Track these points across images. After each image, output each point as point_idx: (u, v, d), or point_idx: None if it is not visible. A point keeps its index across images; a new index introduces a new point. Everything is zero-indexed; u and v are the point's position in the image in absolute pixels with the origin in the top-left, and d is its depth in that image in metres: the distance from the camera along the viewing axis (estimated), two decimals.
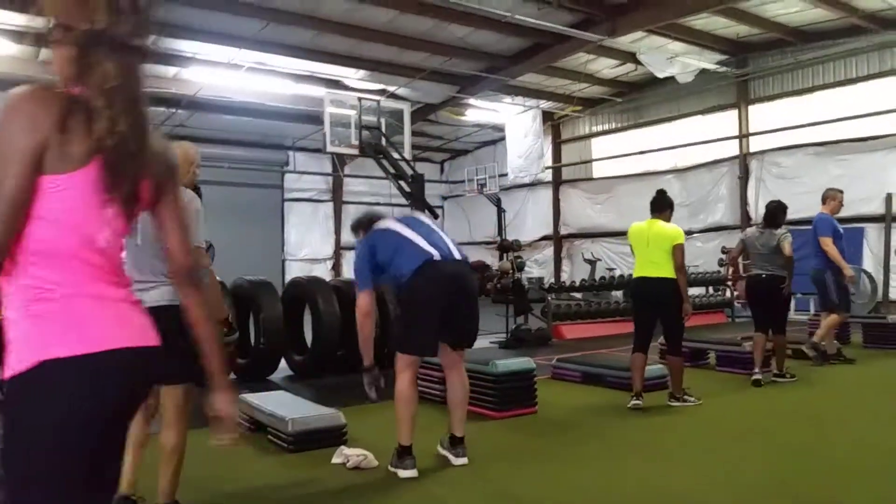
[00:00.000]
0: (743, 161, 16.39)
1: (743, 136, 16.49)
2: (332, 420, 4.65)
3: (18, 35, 12.75)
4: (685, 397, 5.84)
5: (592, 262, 16.04)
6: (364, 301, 4.16)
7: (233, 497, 3.76)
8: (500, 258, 12.62)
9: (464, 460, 4.22)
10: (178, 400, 3.18)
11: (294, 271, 19.72)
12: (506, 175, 19.86)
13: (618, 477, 3.98)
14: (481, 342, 9.06)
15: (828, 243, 7.46)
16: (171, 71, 15.33)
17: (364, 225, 4.38)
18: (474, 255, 22.93)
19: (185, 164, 3.54)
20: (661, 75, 15.49)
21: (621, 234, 18.10)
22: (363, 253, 4.20)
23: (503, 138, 20.21)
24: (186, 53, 14.17)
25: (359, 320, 4.19)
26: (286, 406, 4.89)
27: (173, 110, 17.45)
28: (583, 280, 13.91)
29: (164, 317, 2.17)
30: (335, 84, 15.80)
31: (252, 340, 7.55)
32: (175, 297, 2.52)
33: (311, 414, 4.71)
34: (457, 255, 4.20)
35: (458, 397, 4.31)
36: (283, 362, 7.67)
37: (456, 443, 4.28)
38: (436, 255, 4.07)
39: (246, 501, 3.71)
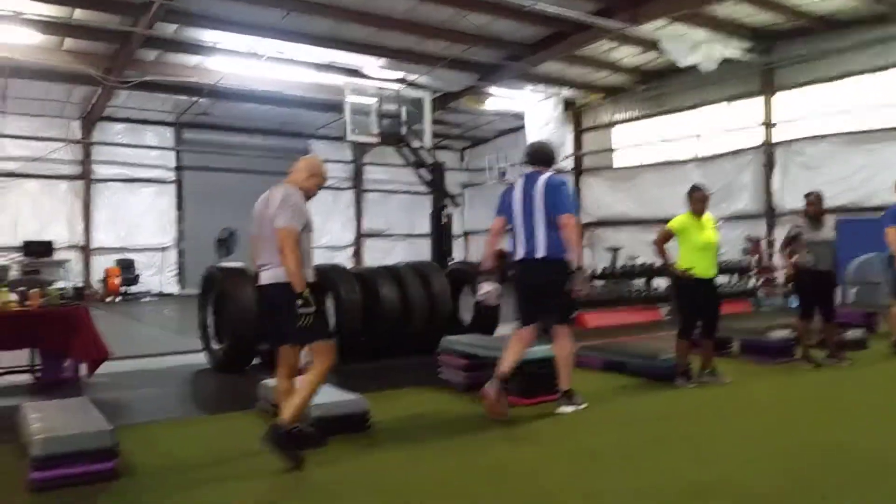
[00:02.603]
0: (768, 150, 16.18)
1: (768, 124, 16.26)
2: (356, 406, 4.68)
3: (43, 25, 12.88)
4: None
5: (615, 251, 15.95)
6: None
7: (257, 479, 3.80)
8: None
9: (565, 409, 5.04)
10: (291, 357, 4.21)
11: (315, 259, 19.77)
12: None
13: (644, 465, 3.96)
14: (502, 329, 9.10)
15: (889, 233, 7.44)
16: (193, 60, 15.43)
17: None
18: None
19: (303, 171, 4.33)
20: (683, 64, 15.28)
21: (643, 222, 18.19)
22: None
23: (524, 126, 20.10)
24: (208, 43, 14.25)
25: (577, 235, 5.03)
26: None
27: (195, 99, 17.59)
28: (605, 268, 13.84)
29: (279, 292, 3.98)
30: (355, 73, 15.80)
31: None
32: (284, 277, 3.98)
33: (335, 400, 4.74)
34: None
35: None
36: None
37: (561, 395, 5.09)
38: None
39: (268, 486, 3.76)
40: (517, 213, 5.15)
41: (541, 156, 5.34)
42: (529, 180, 5.17)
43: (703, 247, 6.11)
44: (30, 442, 3.71)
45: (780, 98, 16.23)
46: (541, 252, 5.02)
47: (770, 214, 16.02)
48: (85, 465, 3.67)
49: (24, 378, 6.59)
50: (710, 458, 4.07)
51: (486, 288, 5.29)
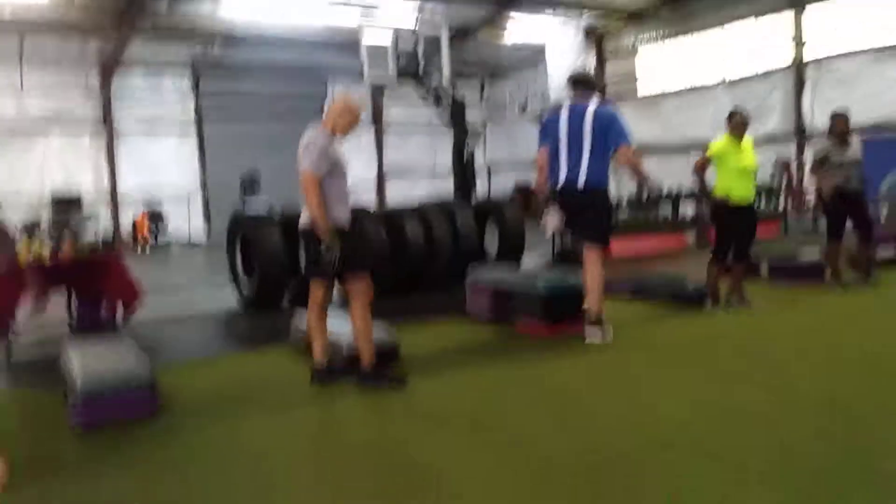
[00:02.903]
0: (798, 68, 15.63)
1: (798, 41, 15.66)
2: (385, 338, 4.75)
3: None
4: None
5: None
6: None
7: (293, 413, 3.91)
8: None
9: (593, 338, 4.98)
10: (319, 292, 4.31)
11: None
12: (548, 94, 19.36)
13: (672, 391, 3.99)
14: (527, 261, 9.12)
15: None
16: (205, 7, 15.20)
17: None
18: (519, 175, 22.75)
19: (333, 112, 4.24)
20: None
21: (669, 149, 17.86)
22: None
23: (544, 58, 19.58)
24: None
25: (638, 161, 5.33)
26: (341, 325, 4.99)
27: (210, 47, 17.41)
28: (630, 196, 13.70)
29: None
30: (371, 9, 15.45)
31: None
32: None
33: None
34: None
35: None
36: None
37: (589, 321, 5.06)
38: None
39: (306, 419, 3.86)
40: (562, 140, 5.17)
41: (585, 81, 5.41)
42: (576, 109, 5.19)
43: (742, 171, 6.04)
44: (73, 380, 3.83)
45: (810, 12, 15.57)
46: (581, 181, 5.09)
47: (800, 135, 15.62)
48: (126, 402, 3.79)
49: (63, 330, 6.78)
50: (740, 385, 4.08)
51: (551, 217, 5.32)
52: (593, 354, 4.83)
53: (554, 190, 5.29)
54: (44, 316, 6.68)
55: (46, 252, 6.29)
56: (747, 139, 6.15)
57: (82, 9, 14.28)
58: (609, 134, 5.06)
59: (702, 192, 6.38)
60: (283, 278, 7.31)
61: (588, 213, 5.19)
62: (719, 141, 6.16)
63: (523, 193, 21.08)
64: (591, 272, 5.17)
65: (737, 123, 6.08)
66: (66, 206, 17.25)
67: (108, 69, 17.83)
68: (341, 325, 5.00)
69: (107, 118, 18.33)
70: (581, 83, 5.39)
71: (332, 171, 4.14)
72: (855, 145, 6.80)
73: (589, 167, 5.09)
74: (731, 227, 6.12)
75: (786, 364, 4.32)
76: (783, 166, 14.73)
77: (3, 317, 5.89)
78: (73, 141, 18.00)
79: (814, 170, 6.98)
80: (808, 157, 15.17)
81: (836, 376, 4.01)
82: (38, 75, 17.12)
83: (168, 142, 19.36)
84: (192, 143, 19.79)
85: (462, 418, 3.64)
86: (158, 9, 14.97)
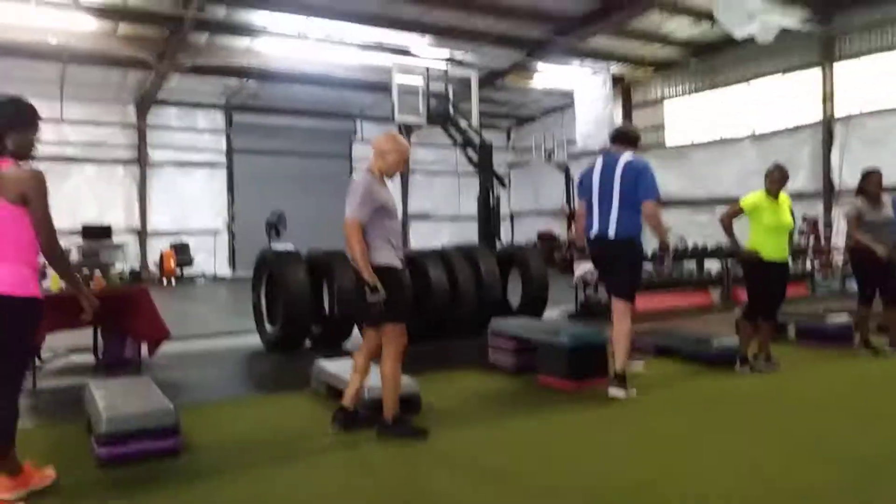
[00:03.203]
0: (827, 124, 15.60)
1: (827, 97, 15.67)
2: (407, 388, 4.72)
3: (98, 11, 13.19)
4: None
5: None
6: None
7: (315, 458, 3.89)
8: (569, 227, 12.43)
9: (616, 392, 4.96)
10: (370, 337, 4.33)
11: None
12: (574, 142, 19.52)
13: (697, 449, 3.92)
14: (550, 312, 9.07)
15: None
16: (242, 43, 15.62)
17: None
18: (541, 224, 22.75)
19: (374, 152, 4.26)
20: (739, 35, 14.76)
21: (694, 202, 17.81)
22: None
23: (571, 104, 19.81)
24: (257, 25, 14.41)
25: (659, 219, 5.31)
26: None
27: (245, 80, 17.82)
28: (654, 250, 13.61)
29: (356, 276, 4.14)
30: (402, 52, 15.76)
31: (326, 308, 7.74)
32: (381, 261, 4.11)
33: None
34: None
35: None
36: (355, 330, 7.82)
37: (613, 377, 5.06)
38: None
39: (327, 464, 3.83)
40: (595, 192, 5.27)
41: (624, 136, 5.48)
42: (609, 160, 5.28)
43: (775, 228, 5.93)
44: (97, 419, 3.86)
45: (840, 69, 15.61)
46: (612, 232, 5.15)
47: (828, 193, 15.50)
48: (149, 443, 3.80)
49: (87, 358, 6.87)
50: (768, 447, 3.99)
51: (583, 267, 5.44)
52: (617, 410, 4.76)
53: (588, 240, 5.39)
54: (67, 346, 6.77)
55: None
56: (784, 196, 6.07)
57: (125, 41, 14.73)
58: (638, 187, 5.12)
59: (732, 247, 6.28)
60: (307, 320, 7.34)
61: (617, 265, 5.25)
62: (754, 195, 6.05)
63: (547, 242, 21.08)
64: (618, 327, 5.20)
65: (775, 179, 5.97)
66: (97, 237, 17.56)
67: (146, 103, 18.30)
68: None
69: (141, 151, 18.75)
70: (620, 137, 5.48)
71: (378, 214, 4.14)
72: (888, 205, 6.68)
73: (619, 218, 5.14)
74: (763, 284, 6.00)
75: (814, 426, 4.22)
76: (811, 225, 14.60)
77: (34, 345, 5.97)
78: (106, 172, 18.40)
79: (851, 228, 6.81)
80: (836, 215, 15.10)
81: (863, 436, 3.91)
82: (77, 106, 17.61)
83: (198, 175, 19.71)
84: (222, 177, 20.13)
85: (485, 471, 3.61)
86: (198, 44, 15.41)
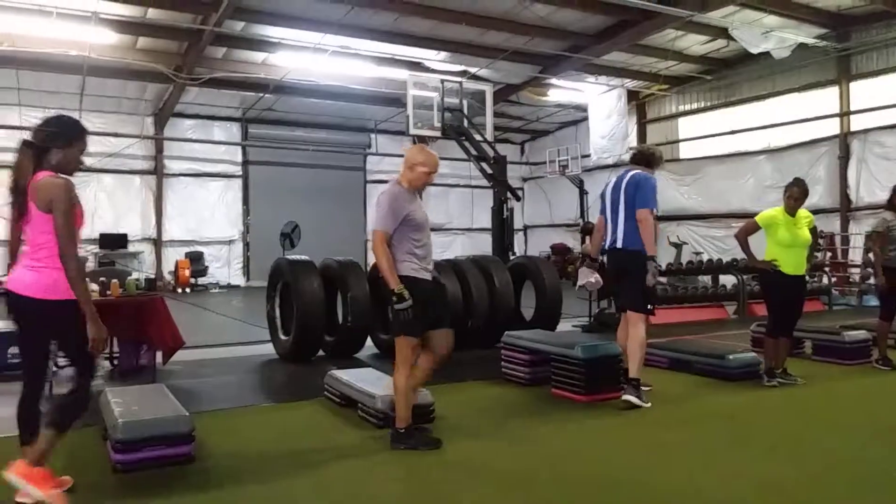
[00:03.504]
0: (843, 141, 15.51)
1: (844, 114, 15.59)
2: (421, 398, 4.72)
3: (118, 24, 13.38)
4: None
5: (678, 246, 15.60)
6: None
7: (328, 467, 3.89)
8: (582, 241, 12.43)
9: (630, 397, 5.03)
10: (401, 347, 4.21)
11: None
12: (588, 156, 19.53)
13: (709, 465, 3.88)
14: (564, 325, 9.04)
15: None
16: (259, 56, 15.79)
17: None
18: (555, 237, 22.73)
19: (403, 165, 4.31)
20: (755, 51, 14.77)
21: (709, 217, 17.74)
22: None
23: (585, 119, 19.85)
24: (274, 39, 14.55)
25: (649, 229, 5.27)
26: (375, 383, 5.00)
27: (261, 95, 18.00)
28: (668, 264, 13.57)
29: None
30: (417, 66, 15.87)
31: (340, 318, 7.76)
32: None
33: None
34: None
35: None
36: (368, 340, 7.84)
37: (628, 383, 5.15)
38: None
39: (341, 473, 3.83)
40: (608, 206, 5.53)
41: (639, 157, 5.72)
42: (621, 177, 5.54)
43: (791, 244, 5.84)
44: (113, 426, 3.89)
45: (857, 86, 15.53)
46: (620, 242, 5.37)
47: (845, 209, 15.38)
48: (164, 449, 3.82)
49: (103, 365, 6.92)
50: (786, 463, 3.95)
51: (586, 275, 5.70)
52: (632, 423, 4.74)
53: (603, 251, 5.62)
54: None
55: (95, 290, 6.44)
56: (805, 212, 6.01)
57: (144, 54, 14.92)
58: (637, 197, 5.31)
59: (749, 262, 6.23)
60: (320, 330, 7.36)
61: (628, 278, 5.37)
62: (771, 210, 6.02)
63: (560, 255, 21.05)
64: (632, 332, 5.31)
65: (794, 196, 5.90)
66: (114, 246, 17.75)
67: (163, 115, 18.51)
68: (375, 382, 5.02)
69: (158, 162, 18.95)
70: (636, 157, 5.73)
71: (404, 226, 4.15)
72: None
73: (625, 230, 5.35)
74: (784, 297, 5.94)
75: (833, 442, 4.17)
76: (827, 240, 14.49)
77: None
78: (123, 182, 18.60)
79: (874, 243, 6.75)
80: (854, 230, 14.98)
81: (882, 450, 3.87)
82: (97, 117, 17.84)
83: (214, 186, 19.87)
84: (237, 188, 20.29)
85: (499, 480, 3.60)
86: (215, 58, 15.59)
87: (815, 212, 15.37)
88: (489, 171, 11.88)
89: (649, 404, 5.07)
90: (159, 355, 6.67)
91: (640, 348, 5.22)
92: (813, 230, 6.18)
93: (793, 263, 5.89)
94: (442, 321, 4.26)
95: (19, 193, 3.26)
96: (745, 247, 6.05)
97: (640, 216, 5.25)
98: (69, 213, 3.22)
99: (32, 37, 13.33)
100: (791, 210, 5.92)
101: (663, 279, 12.50)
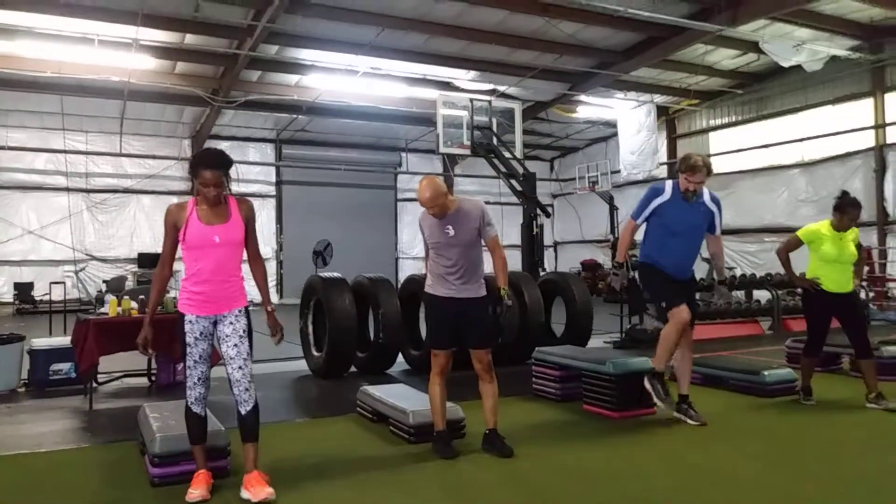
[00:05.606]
0: (879, 153, 15.24)
1: (879, 126, 15.33)
2: (451, 413, 4.76)
3: (158, 50, 13.81)
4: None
5: (710, 261, 15.39)
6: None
7: (361, 481, 3.95)
8: (612, 257, 12.34)
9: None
10: (439, 358, 4.54)
11: (407, 269, 20.20)
12: (618, 172, 19.46)
13: (738, 482, 3.85)
14: (595, 342, 9.00)
15: None
16: (293, 79, 16.11)
17: None
18: (586, 254, 22.62)
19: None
20: (786, 64, 14.66)
21: (741, 231, 17.49)
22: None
23: (615, 135, 19.81)
24: (307, 61, 14.85)
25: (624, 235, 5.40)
26: (406, 399, 5.06)
27: (295, 116, 18.35)
28: (700, 279, 13.39)
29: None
30: (447, 86, 16.05)
31: (371, 335, 7.85)
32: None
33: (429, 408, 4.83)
34: None
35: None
36: (400, 356, 7.91)
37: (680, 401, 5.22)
38: None
39: (373, 487, 3.89)
40: None
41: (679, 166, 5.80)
42: None
43: (836, 259, 5.62)
44: (151, 440, 4.00)
45: (892, 97, 15.28)
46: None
47: (882, 222, 15.08)
48: None
49: (141, 381, 7.11)
50: (825, 482, 3.90)
51: (615, 278, 5.64)
52: (666, 440, 4.72)
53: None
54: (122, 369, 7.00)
55: (134, 307, 6.62)
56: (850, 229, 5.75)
57: (182, 78, 15.34)
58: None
59: (790, 279, 6.05)
60: (353, 346, 7.45)
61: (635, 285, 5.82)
62: (814, 225, 5.81)
63: (591, 271, 20.93)
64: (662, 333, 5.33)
65: (852, 217, 5.59)
66: (151, 265, 18.14)
67: (200, 137, 18.95)
68: (407, 398, 5.08)
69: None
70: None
71: (431, 248, 4.54)
72: None
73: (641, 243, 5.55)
74: (824, 316, 5.75)
75: (869, 462, 4.10)
76: (865, 254, 14.19)
77: (90, 367, 6.22)
78: (161, 203, 19.00)
79: None
80: (892, 245, 14.66)
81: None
82: (136, 140, 18.38)
83: None
84: (271, 207, 20.63)
85: (533, 497, 3.61)
86: (250, 81, 15.96)
87: None
88: (518, 188, 11.95)
89: (673, 405, 5.14)
90: None
91: (664, 342, 5.16)
92: (858, 246, 5.95)
93: (836, 280, 5.65)
94: (464, 340, 4.50)
95: None
96: (786, 264, 5.85)
97: (624, 225, 5.47)
98: (166, 233, 3.97)
99: (76, 63, 13.83)
100: (845, 227, 5.67)
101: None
